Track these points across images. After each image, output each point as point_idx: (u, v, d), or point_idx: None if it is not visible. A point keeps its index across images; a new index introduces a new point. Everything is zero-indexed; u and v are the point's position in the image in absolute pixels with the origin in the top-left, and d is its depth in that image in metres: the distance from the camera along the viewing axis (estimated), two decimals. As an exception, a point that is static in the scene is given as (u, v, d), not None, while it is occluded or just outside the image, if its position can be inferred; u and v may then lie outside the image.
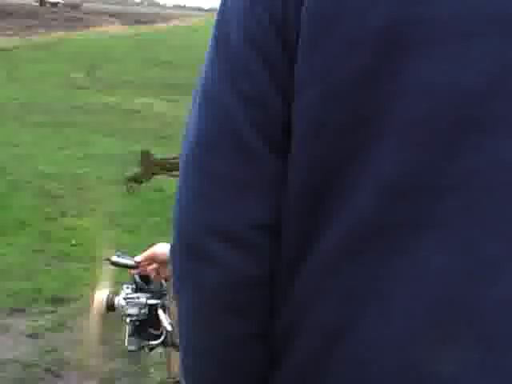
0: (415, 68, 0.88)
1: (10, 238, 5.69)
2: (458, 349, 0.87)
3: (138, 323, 2.15)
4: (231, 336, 1.01)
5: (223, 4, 1.01)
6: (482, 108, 0.88)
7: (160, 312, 2.16)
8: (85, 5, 45.63)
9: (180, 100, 13.49)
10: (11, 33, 23.35)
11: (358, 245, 0.91)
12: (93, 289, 2.18)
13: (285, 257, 0.97)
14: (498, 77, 0.87)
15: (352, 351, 0.91)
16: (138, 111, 12.25)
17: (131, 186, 6.46)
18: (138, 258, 2.09)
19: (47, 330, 4.21)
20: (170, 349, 2.37)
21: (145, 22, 35.69)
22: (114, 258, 2.14)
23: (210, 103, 0.99)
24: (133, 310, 2.16)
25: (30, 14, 31.08)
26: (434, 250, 0.88)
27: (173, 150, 8.57)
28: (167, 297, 2.34)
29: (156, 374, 3.73)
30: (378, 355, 0.90)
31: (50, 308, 4.49)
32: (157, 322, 2.15)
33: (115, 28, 30.97)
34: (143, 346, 2.19)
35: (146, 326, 2.15)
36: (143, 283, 2.20)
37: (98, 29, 29.16)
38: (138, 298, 2.15)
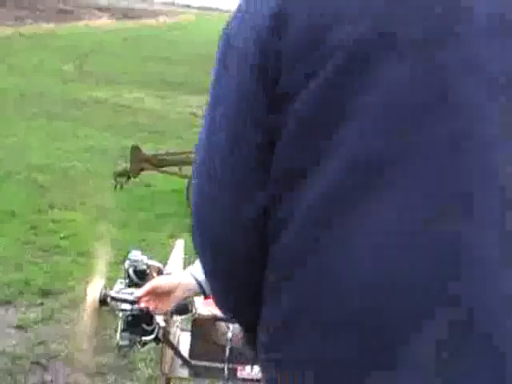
0: (377, 71, 1.16)
1: (-1, 228, 5.67)
2: None
3: (131, 318, 2.15)
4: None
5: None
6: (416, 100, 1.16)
7: (153, 307, 2.17)
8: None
9: (170, 96, 13.49)
10: (0, 22, 23.20)
11: (330, 201, 1.17)
12: (86, 283, 2.18)
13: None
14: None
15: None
16: (129, 106, 12.22)
17: (120, 181, 6.45)
18: (139, 293, 2.09)
19: (35, 322, 4.20)
20: (162, 345, 2.39)
21: (133, 17, 35.59)
22: (113, 293, 2.14)
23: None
24: (126, 305, 2.16)
25: (19, 3, 30.89)
26: (385, 205, 1.14)
27: (163, 145, 8.58)
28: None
29: (144, 370, 3.74)
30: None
31: (38, 300, 4.48)
32: (150, 318, 2.15)
33: (104, 22, 30.89)
34: (135, 342, 2.19)
35: (139, 321, 2.16)
36: (137, 278, 2.21)
37: (86, 22, 29.07)
38: (132, 293, 2.16)
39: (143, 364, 3.78)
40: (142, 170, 6.55)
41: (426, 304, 1.11)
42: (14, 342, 3.97)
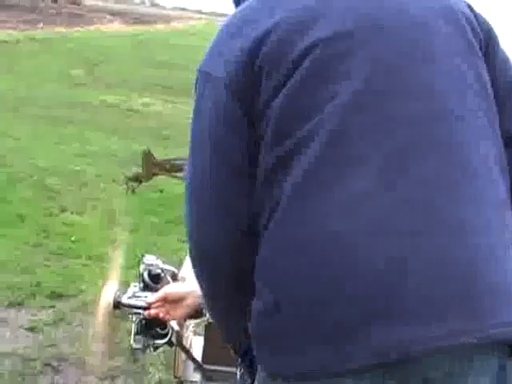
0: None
1: (9, 231, 5.69)
2: None
3: (144, 322, 2.16)
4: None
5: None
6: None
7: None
8: (85, 1, 45.50)
9: (179, 101, 13.49)
10: (11, 26, 23.22)
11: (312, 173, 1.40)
12: (98, 286, 2.19)
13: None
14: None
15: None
16: (138, 111, 12.24)
17: (131, 186, 6.45)
18: (150, 299, 2.11)
19: (46, 324, 4.22)
20: (175, 349, 2.40)
21: (144, 22, 35.61)
22: (125, 300, 2.15)
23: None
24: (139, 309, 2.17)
25: (29, 7, 30.96)
26: (353, 176, 1.37)
27: (172, 150, 8.58)
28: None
29: (155, 373, 3.75)
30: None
31: (49, 303, 4.50)
32: (164, 321, 2.16)
33: (115, 27, 30.92)
34: (148, 345, 2.20)
35: (152, 324, 2.16)
36: (151, 282, 2.22)
37: (98, 26, 29.10)
38: (146, 296, 2.17)
39: (154, 368, 3.79)
40: (155, 174, 6.55)
41: None
42: (25, 343, 3.99)
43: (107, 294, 2.16)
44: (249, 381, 1.70)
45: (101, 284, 2.19)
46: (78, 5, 39.06)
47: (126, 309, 2.17)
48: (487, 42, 1.57)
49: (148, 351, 2.25)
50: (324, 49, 1.44)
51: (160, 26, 34.04)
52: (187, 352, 2.38)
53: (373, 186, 1.37)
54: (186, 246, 2.56)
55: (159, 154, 7.20)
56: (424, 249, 1.35)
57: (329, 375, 1.35)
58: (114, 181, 6.95)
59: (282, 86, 1.43)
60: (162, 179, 6.84)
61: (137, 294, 2.18)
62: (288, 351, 1.39)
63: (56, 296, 4.60)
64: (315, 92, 1.42)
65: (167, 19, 38.93)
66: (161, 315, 2.10)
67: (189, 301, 2.10)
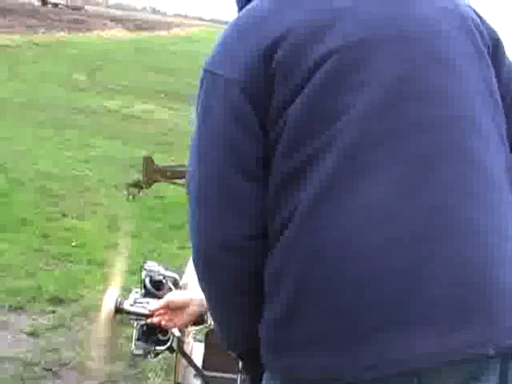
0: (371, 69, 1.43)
1: (11, 236, 5.69)
2: None
3: (145, 328, 2.17)
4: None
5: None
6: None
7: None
8: (86, 8, 45.52)
9: (180, 108, 13.51)
10: (12, 30, 23.24)
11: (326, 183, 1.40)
12: (98, 291, 2.21)
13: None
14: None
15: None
16: (139, 117, 12.27)
17: (133, 192, 6.46)
18: (153, 307, 2.11)
19: (47, 329, 4.22)
20: (176, 355, 2.40)
21: (146, 29, 35.68)
22: (127, 307, 2.16)
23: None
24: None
25: (31, 13, 30.98)
26: (373, 183, 1.38)
27: (173, 156, 8.59)
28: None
29: (155, 379, 3.76)
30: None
31: (50, 308, 4.50)
32: (165, 328, 2.17)
33: (116, 32, 30.97)
34: (149, 351, 2.21)
35: (153, 330, 2.17)
36: (153, 288, 2.23)
37: (99, 32, 29.14)
38: (148, 302, 2.18)
39: (154, 373, 3.80)
40: (155, 181, 6.55)
41: None
42: (26, 348, 3.99)
43: (109, 301, 2.16)
44: None
45: (102, 289, 2.19)
46: (80, 10, 39.13)
47: (129, 314, 2.17)
48: (495, 48, 1.59)
49: (149, 357, 2.25)
50: (340, 57, 1.43)
51: (161, 33, 34.08)
52: (188, 358, 2.39)
53: (392, 193, 1.37)
54: (187, 252, 2.60)
55: (160, 160, 7.22)
56: (443, 254, 1.36)
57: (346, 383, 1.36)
58: (115, 186, 6.96)
59: (297, 93, 1.42)
60: (163, 185, 6.84)
61: (138, 301, 2.18)
62: (302, 358, 1.39)
63: (57, 301, 4.60)
64: (332, 100, 1.41)
65: (168, 26, 39.01)
66: (163, 323, 2.10)
67: (191, 308, 2.10)
